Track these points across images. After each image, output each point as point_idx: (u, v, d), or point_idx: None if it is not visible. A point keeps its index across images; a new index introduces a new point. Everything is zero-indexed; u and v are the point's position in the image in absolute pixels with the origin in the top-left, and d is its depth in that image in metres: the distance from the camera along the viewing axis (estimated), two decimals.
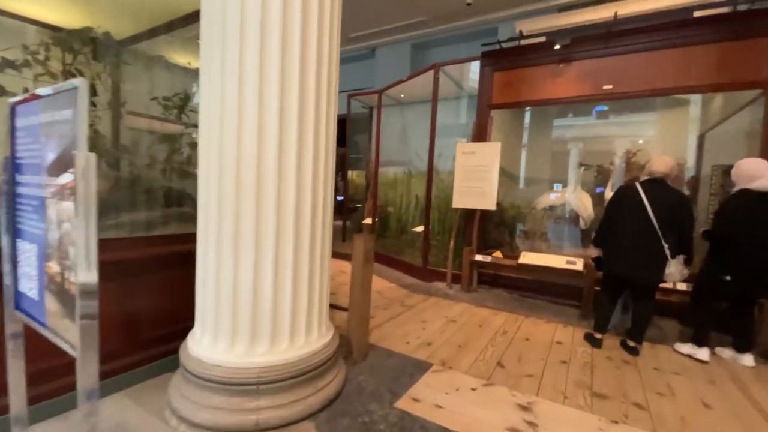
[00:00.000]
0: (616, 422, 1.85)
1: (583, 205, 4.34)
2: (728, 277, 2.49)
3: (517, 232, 5.04)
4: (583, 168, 4.80)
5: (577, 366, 2.49)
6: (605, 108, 5.57)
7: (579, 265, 3.51)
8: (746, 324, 2.66)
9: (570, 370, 2.41)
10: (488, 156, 4.08)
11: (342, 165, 7.84)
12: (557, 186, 5.23)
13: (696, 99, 4.73)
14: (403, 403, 1.91)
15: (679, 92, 3.46)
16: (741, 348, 2.64)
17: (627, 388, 2.22)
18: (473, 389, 2.11)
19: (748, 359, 2.59)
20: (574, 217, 4.82)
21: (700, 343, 2.64)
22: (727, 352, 2.69)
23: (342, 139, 7.04)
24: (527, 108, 5.83)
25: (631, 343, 2.72)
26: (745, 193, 2.51)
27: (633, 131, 5.44)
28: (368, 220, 6.48)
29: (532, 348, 2.76)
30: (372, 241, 2.29)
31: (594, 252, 2.96)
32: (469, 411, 1.88)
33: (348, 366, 2.25)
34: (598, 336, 2.84)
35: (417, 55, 9.04)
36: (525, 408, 1.94)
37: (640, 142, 4.97)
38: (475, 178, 4.16)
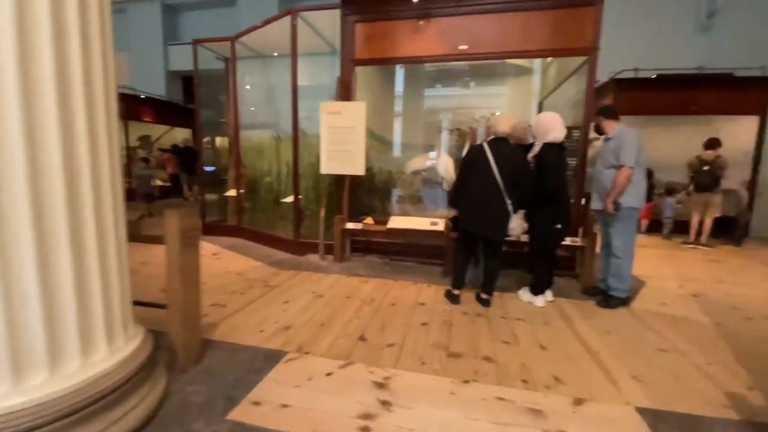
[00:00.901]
0: (467, 381, 1.86)
1: (446, 168, 4.48)
2: (559, 226, 2.77)
3: (390, 197, 5.02)
4: (446, 132, 4.95)
5: (437, 326, 2.50)
6: (469, 78, 5.89)
7: (441, 226, 3.59)
8: (551, 269, 2.98)
9: (430, 332, 2.41)
10: (354, 117, 3.81)
11: (196, 129, 6.65)
12: (432, 154, 5.35)
13: (538, 67, 5.24)
14: (238, 412, 1.57)
15: (522, 56, 3.67)
16: (538, 290, 2.92)
17: (479, 341, 2.30)
18: (328, 374, 1.89)
19: (540, 300, 2.90)
20: (441, 180, 4.99)
21: (537, 293, 2.93)
22: (526, 296, 2.98)
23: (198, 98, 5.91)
24: (399, 73, 5.74)
25: (484, 296, 2.87)
26: (550, 146, 2.74)
27: (490, 100, 5.87)
28: (232, 192, 5.69)
29: (396, 313, 2.69)
30: (193, 217, 1.79)
31: (453, 212, 2.99)
32: (319, 404, 1.65)
33: (174, 376, 1.80)
34: (456, 292, 2.93)
35: (286, 4, 8.08)
36: (381, 385, 1.80)
37: (497, 113, 5.36)
38: (343, 140, 3.87)
